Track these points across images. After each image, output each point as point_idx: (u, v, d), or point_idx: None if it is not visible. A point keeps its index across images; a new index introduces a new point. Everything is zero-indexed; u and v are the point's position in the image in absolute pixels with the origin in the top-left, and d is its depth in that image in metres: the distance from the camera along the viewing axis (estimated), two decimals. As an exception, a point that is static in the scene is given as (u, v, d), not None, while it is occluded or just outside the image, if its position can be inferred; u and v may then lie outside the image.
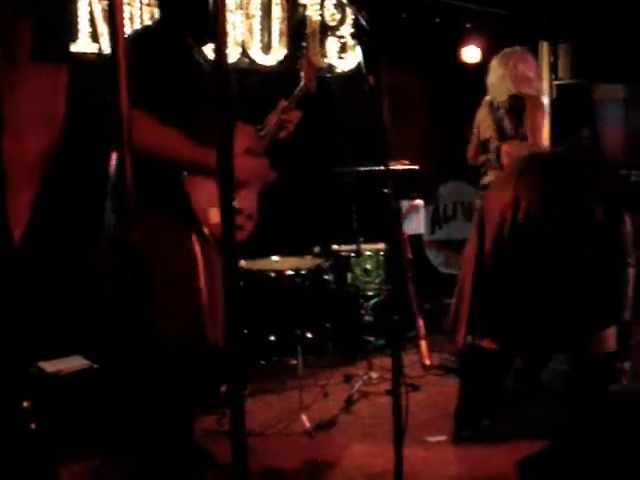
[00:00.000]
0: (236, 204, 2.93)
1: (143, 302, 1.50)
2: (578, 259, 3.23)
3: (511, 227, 3.36)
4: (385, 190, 2.19)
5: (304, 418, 3.79)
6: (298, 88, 3.36)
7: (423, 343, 2.05)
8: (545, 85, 6.95)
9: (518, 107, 4.28)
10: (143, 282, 1.50)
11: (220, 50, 1.42)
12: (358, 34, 2.32)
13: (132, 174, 2.67)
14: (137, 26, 4.76)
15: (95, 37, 4.54)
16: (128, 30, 4.69)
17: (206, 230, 2.72)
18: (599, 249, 3.24)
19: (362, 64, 2.40)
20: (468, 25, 6.53)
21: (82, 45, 4.48)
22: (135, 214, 1.46)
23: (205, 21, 2.82)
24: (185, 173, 2.67)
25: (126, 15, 4.73)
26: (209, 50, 2.97)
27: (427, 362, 2.05)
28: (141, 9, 4.79)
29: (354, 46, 5.55)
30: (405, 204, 5.56)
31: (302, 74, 3.41)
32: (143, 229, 2.62)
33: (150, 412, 2.70)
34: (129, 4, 4.75)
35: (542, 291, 3.29)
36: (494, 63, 4.46)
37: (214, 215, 2.59)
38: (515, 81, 4.29)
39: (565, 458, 2.96)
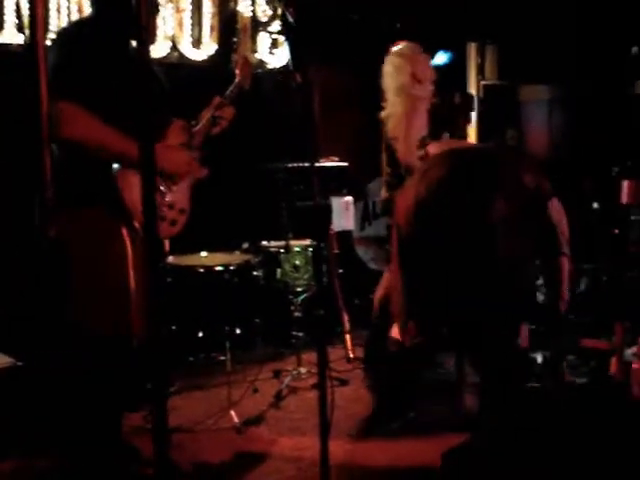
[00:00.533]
0: (169, 198, 2.92)
1: (62, 297, 1.48)
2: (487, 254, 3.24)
3: (419, 221, 3.34)
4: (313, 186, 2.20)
5: (233, 414, 3.79)
6: (233, 85, 3.36)
7: (348, 337, 2.08)
8: (473, 85, 7.11)
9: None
10: (62, 277, 1.49)
11: (141, 43, 1.41)
12: (285, 31, 2.32)
13: (60, 167, 2.66)
14: (65, 18, 4.68)
15: (21, 28, 4.44)
16: (55, 21, 4.65)
17: (137, 224, 2.70)
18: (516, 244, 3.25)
19: (290, 61, 2.41)
20: (398, 25, 6.61)
21: (7, 36, 4.39)
22: (54, 209, 1.44)
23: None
24: (117, 166, 2.64)
25: (53, 7, 4.64)
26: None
27: (351, 355, 2.08)
28: (69, 1, 4.71)
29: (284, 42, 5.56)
30: (335, 200, 5.59)
31: (237, 71, 3.41)
32: (72, 223, 2.61)
33: (75, 409, 2.68)
34: (57, -5, 4.67)
35: (456, 285, 3.30)
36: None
37: None
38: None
39: (486, 450, 3.04)
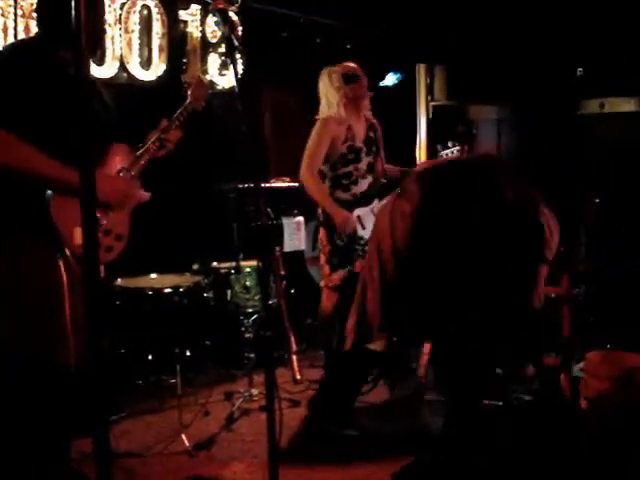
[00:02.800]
0: (105, 224, 2.88)
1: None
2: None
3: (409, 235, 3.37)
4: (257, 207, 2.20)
5: (184, 437, 3.75)
6: (182, 107, 3.31)
7: (294, 358, 2.07)
8: (423, 106, 7.21)
9: None
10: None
11: (80, 64, 1.40)
12: (231, 53, 2.32)
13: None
14: (11, 38, 4.64)
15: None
16: (1, 42, 4.59)
17: (68, 251, 2.66)
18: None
19: (235, 83, 2.41)
20: (348, 46, 6.69)
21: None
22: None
23: (90, 34, 2.78)
24: (50, 193, 2.60)
25: (-1, 26, 4.60)
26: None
27: (298, 377, 2.07)
28: (15, 21, 4.66)
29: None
30: (286, 221, 5.60)
31: (189, 92, 3.36)
32: (3, 250, 2.56)
33: (14, 437, 2.62)
34: (3, 15, 4.62)
35: (440, 297, 3.32)
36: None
37: (79, 235, 2.53)
38: None
39: (433, 470, 3.06)
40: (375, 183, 4.53)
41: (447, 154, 4.00)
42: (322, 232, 4.40)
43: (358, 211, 4.39)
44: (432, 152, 6.55)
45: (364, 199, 4.43)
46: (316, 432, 4.00)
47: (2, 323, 2.57)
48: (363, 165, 4.43)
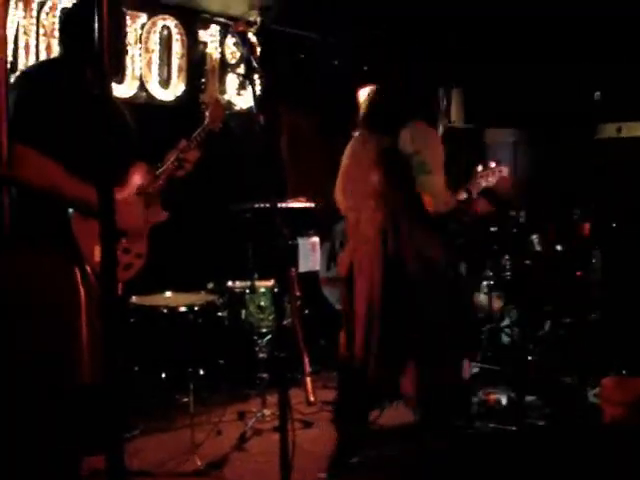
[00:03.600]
0: (125, 243, 2.90)
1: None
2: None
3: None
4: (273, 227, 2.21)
5: (196, 457, 3.74)
6: (201, 127, 3.34)
7: (308, 380, 2.06)
8: (440, 128, 7.21)
9: None
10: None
11: (103, 84, 1.41)
12: (249, 74, 2.35)
13: (17, 208, 2.64)
14: (33, 56, 4.69)
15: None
16: (23, 60, 4.65)
17: (89, 268, 2.68)
18: None
19: (254, 103, 2.43)
20: (365, 67, 6.71)
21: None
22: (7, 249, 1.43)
23: (112, 53, 2.81)
24: (72, 211, 2.63)
25: (22, 44, 4.65)
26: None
27: (312, 398, 2.06)
28: (37, 39, 4.72)
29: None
30: (302, 241, 5.61)
31: (207, 113, 3.40)
32: (24, 264, 2.58)
33: (24, 453, 2.62)
34: (25, 33, 4.67)
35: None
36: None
37: (99, 253, 2.55)
38: None
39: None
40: None
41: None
42: None
43: None
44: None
45: None
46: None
47: (18, 337, 2.59)
48: None
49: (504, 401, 4.50)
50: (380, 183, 3.53)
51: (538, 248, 5.09)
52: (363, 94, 4.59)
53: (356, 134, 3.96)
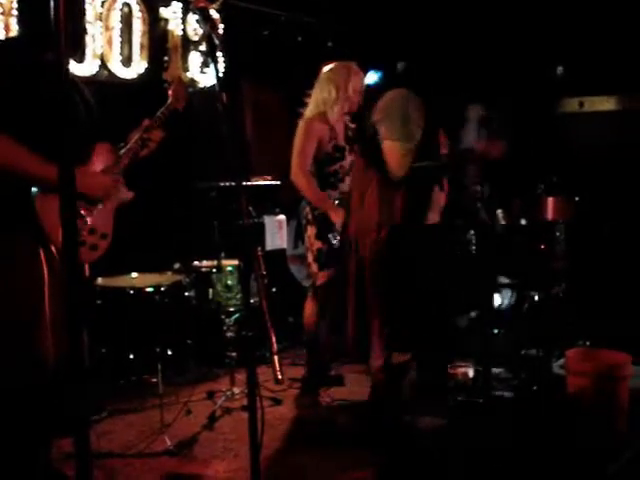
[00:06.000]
0: (90, 223, 2.88)
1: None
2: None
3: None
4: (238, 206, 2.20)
5: (165, 437, 3.75)
6: (164, 107, 3.33)
7: (275, 358, 2.07)
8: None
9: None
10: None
11: (60, 64, 1.39)
12: (211, 51, 2.32)
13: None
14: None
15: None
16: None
17: (53, 248, 2.65)
18: None
19: (217, 81, 2.40)
20: (330, 44, 6.69)
21: None
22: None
23: (71, 34, 2.77)
24: (36, 190, 2.59)
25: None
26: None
27: (280, 376, 2.06)
28: (-6, 19, 4.62)
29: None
30: (268, 219, 5.60)
31: (170, 92, 3.38)
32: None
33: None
34: (-18, 13, 4.57)
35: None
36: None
37: None
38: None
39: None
40: None
41: None
42: (311, 230, 4.45)
43: None
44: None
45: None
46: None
47: None
48: (347, 163, 4.51)
49: (471, 374, 4.55)
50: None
51: (503, 222, 5.13)
52: (327, 70, 4.60)
53: None
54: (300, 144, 4.43)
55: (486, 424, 3.72)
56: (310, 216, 4.46)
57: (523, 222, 4.96)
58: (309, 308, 4.52)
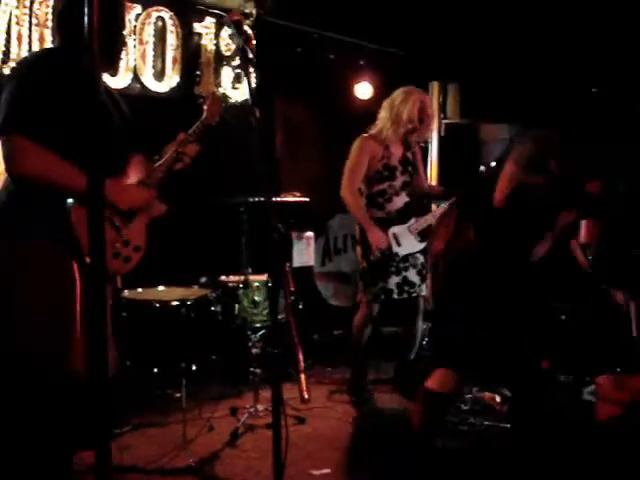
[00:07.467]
0: (124, 235, 2.87)
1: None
2: None
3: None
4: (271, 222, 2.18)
5: (187, 452, 3.71)
6: (199, 121, 3.33)
7: (302, 377, 2.03)
8: (435, 124, 7.18)
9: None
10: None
11: (95, 74, 1.38)
12: (245, 66, 2.31)
13: (13, 200, 2.60)
14: (26, 46, 4.65)
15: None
16: (15, 50, 4.60)
17: (88, 260, 2.64)
18: None
19: (249, 96, 2.39)
20: (362, 62, 6.69)
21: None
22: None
23: (108, 47, 2.78)
24: (72, 201, 2.59)
25: (14, 35, 4.61)
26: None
27: (306, 396, 2.03)
28: (30, 29, 4.68)
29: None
30: (296, 236, 5.59)
31: (205, 107, 3.38)
32: (21, 255, 2.55)
33: (20, 445, 2.59)
34: (18, 24, 4.63)
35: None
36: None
37: None
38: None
39: None
40: (412, 202, 4.82)
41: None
42: (358, 249, 4.74)
43: (394, 229, 4.69)
44: (443, 171, 6.52)
45: (400, 217, 4.74)
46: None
47: (12, 325, 2.55)
48: (398, 183, 4.73)
49: (498, 399, 4.48)
50: None
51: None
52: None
53: None
54: (351, 161, 4.70)
55: (511, 450, 3.65)
56: (358, 236, 4.72)
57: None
58: (358, 317, 4.80)
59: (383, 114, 4.76)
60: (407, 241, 4.68)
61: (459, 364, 3.39)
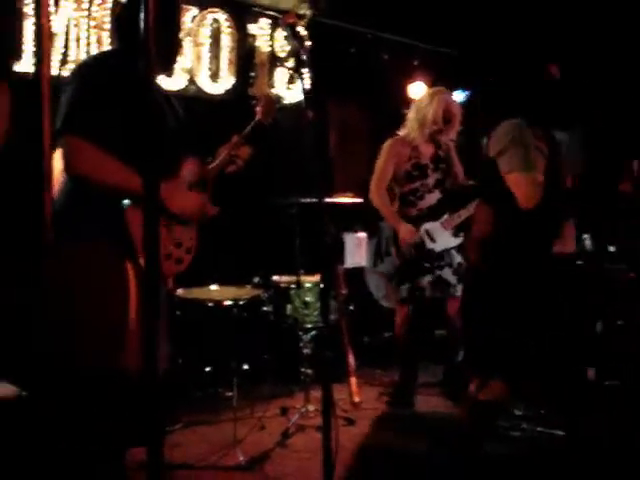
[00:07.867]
0: (176, 236, 2.89)
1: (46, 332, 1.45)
2: None
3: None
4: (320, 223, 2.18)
5: (238, 451, 3.74)
6: (252, 123, 3.33)
7: (353, 380, 2.03)
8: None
9: None
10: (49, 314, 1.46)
11: (149, 77, 1.40)
12: (298, 68, 2.32)
13: (69, 199, 2.65)
14: (84, 48, 4.73)
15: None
16: (74, 52, 4.69)
17: (142, 261, 2.67)
18: None
19: (303, 97, 2.39)
20: (415, 62, 6.66)
21: (25, 65, 4.42)
22: (52, 248, 1.42)
23: (165, 49, 2.81)
24: (127, 202, 2.62)
25: (72, 37, 4.69)
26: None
27: (356, 399, 2.03)
28: (88, 31, 4.75)
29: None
30: (348, 237, 5.59)
31: (259, 108, 3.39)
32: (76, 255, 2.59)
33: (74, 442, 2.64)
34: (76, 26, 4.71)
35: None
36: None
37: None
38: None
39: None
40: (445, 198, 4.81)
41: None
42: (393, 249, 4.77)
43: (426, 225, 4.70)
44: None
45: (432, 213, 4.74)
46: None
47: (67, 324, 2.59)
48: (430, 181, 4.76)
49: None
50: None
51: (590, 248, 4.98)
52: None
53: None
54: (379, 164, 4.78)
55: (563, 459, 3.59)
56: (392, 236, 4.76)
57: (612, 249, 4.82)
58: (396, 319, 4.82)
59: (410, 115, 4.81)
60: (441, 237, 4.68)
61: (484, 368, 3.34)
